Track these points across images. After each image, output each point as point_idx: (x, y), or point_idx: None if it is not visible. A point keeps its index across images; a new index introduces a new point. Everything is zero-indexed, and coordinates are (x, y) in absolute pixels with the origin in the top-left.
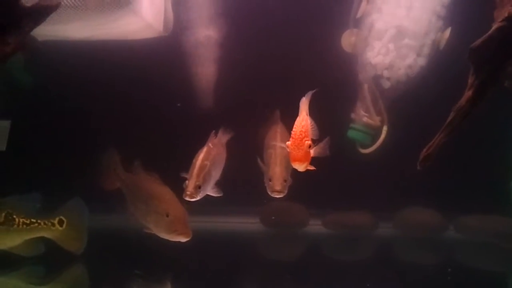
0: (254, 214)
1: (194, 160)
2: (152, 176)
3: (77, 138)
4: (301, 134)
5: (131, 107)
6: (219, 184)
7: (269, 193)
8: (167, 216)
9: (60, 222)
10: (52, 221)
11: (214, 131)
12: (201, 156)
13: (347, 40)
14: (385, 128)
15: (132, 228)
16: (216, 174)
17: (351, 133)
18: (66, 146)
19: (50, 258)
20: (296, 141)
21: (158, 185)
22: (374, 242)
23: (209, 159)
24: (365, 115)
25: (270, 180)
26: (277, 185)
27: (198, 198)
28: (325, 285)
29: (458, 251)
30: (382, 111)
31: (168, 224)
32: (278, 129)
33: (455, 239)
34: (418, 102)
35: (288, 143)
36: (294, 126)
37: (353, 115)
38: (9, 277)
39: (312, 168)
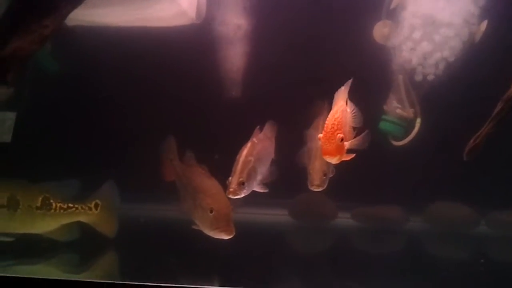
0: (282, 206)
1: (238, 156)
2: (201, 168)
3: (108, 126)
4: (333, 127)
5: (167, 95)
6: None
7: (309, 187)
8: (211, 212)
9: (96, 206)
10: (89, 205)
11: (259, 126)
12: (245, 151)
13: (380, 31)
14: (418, 121)
15: (167, 217)
16: (262, 170)
17: (383, 125)
18: (97, 134)
19: (84, 244)
20: (328, 134)
21: (205, 178)
22: (404, 236)
23: (254, 154)
24: (398, 107)
25: (309, 174)
26: (316, 180)
27: (243, 195)
28: (354, 278)
29: (490, 247)
30: (415, 103)
31: (211, 220)
32: (320, 122)
33: (487, 235)
34: (451, 95)
35: (320, 135)
36: (327, 118)
37: (385, 107)
38: (44, 265)
39: (349, 157)
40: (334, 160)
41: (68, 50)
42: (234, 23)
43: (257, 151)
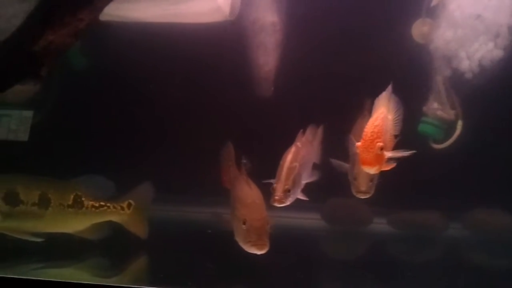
0: (315, 210)
1: (281, 162)
2: (244, 175)
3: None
4: (372, 135)
5: (199, 93)
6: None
7: (354, 193)
8: (244, 224)
9: (129, 206)
10: (121, 204)
11: (302, 130)
12: (289, 157)
13: (419, 30)
14: (460, 123)
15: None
16: (306, 176)
17: (422, 127)
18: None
19: (116, 246)
20: (366, 143)
21: (245, 186)
22: (443, 243)
23: (298, 159)
24: (438, 108)
25: (355, 180)
26: (362, 185)
27: (288, 203)
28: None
29: None
30: (457, 105)
31: (244, 233)
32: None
33: None
34: (494, 96)
35: (358, 144)
36: (367, 126)
37: (425, 108)
38: (74, 268)
39: (389, 167)
40: (372, 170)
41: (98, 46)
42: (270, 21)
43: (301, 156)
